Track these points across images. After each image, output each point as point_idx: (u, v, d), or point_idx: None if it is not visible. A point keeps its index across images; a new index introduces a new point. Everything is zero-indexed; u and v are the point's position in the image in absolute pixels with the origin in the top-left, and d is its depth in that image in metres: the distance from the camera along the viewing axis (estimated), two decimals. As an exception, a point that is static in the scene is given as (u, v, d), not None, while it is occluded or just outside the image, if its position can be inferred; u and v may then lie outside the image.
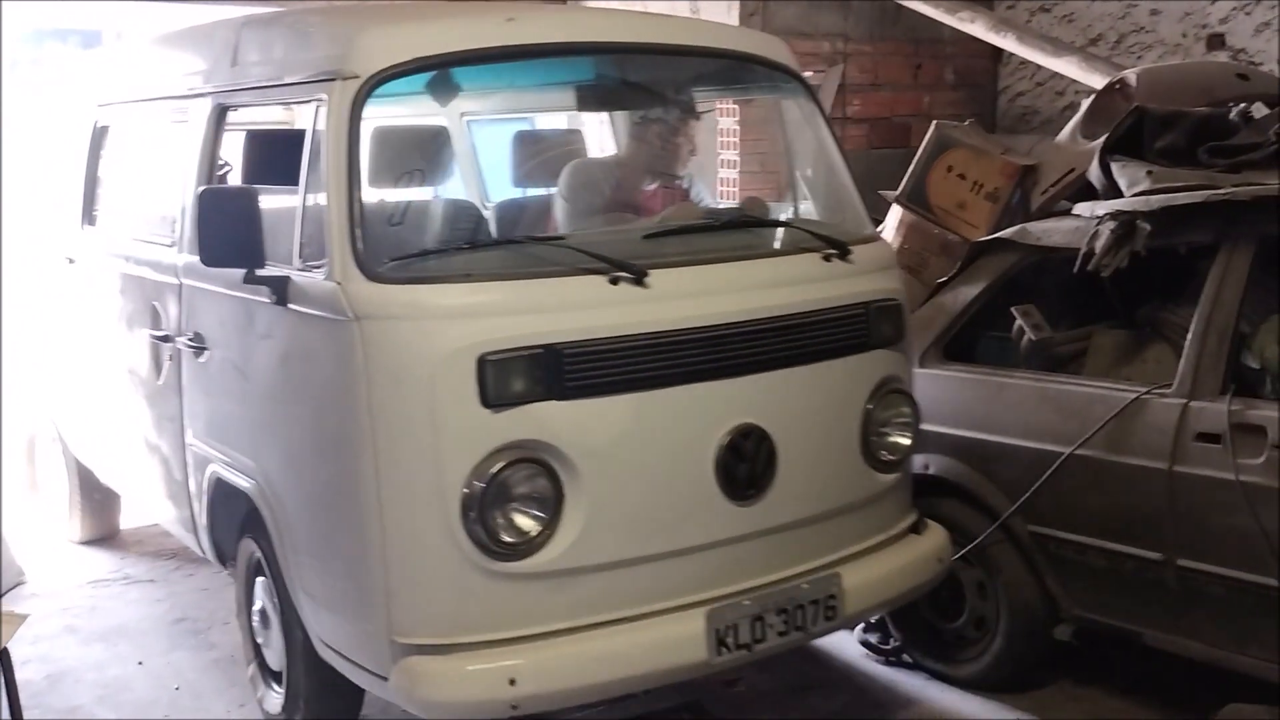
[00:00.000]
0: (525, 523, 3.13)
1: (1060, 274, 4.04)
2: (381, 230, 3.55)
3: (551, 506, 3.15)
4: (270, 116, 3.98)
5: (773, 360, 3.41)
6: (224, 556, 4.23)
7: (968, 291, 4.34)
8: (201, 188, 3.66)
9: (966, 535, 4.14)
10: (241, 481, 3.77)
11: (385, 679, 3.21)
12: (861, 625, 4.57)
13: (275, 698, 3.97)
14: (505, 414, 3.08)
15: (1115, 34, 6.51)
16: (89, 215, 5.11)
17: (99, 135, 5.10)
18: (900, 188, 4.69)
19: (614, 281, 3.23)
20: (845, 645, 4.60)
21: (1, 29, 4.55)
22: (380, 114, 3.55)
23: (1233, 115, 4.17)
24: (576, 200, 4.13)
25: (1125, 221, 3.76)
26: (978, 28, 6.08)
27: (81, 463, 5.83)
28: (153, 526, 5.31)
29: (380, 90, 3.28)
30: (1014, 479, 4.00)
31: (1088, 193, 4.18)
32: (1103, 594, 3.88)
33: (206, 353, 3.94)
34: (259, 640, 4.06)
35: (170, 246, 4.14)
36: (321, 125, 3.29)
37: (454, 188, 4.17)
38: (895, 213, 4.81)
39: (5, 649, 2.53)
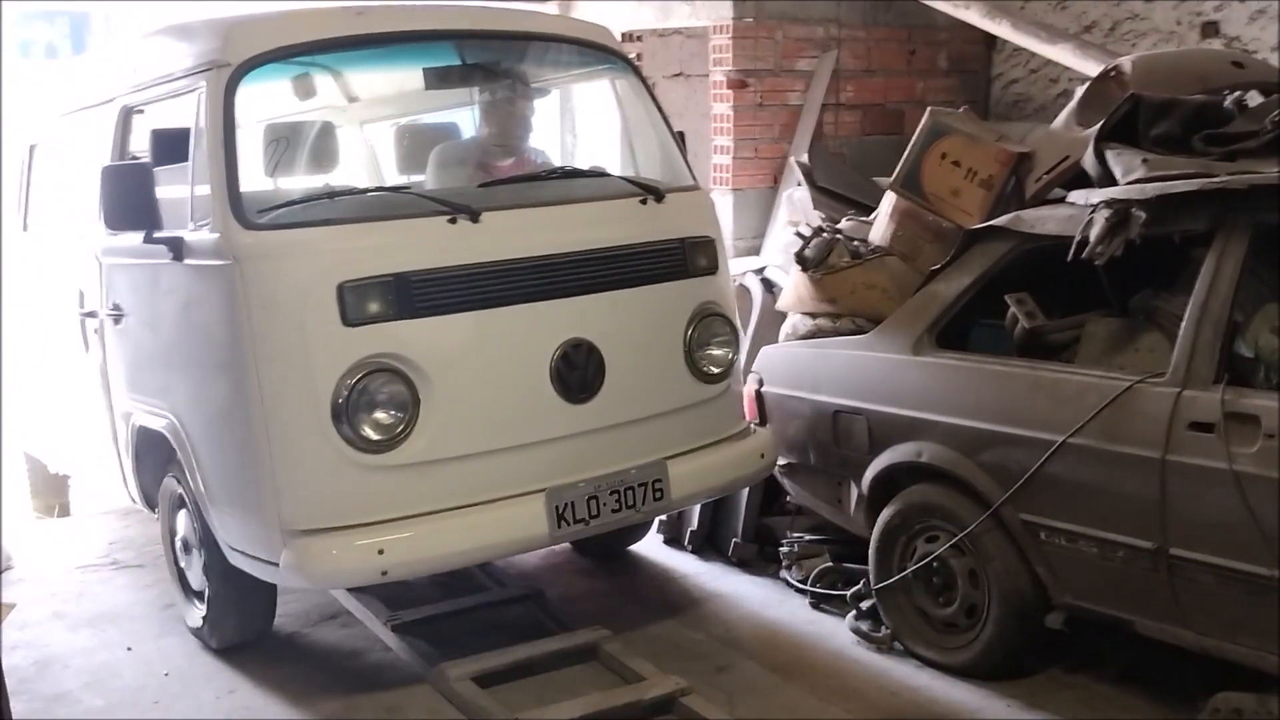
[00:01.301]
0: (386, 422, 3.77)
1: (1054, 262, 4.02)
2: (250, 184, 4.10)
3: (409, 408, 3.80)
4: (165, 111, 4.37)
5: (595, 285, 4.10)
6: (151, 501, 4.79)
7: (961, 279, 4.32)
8: (104, 165, 4.21)
9: (958, 523, 4.14)
10: (157, 423, 4.36)
11: (277, 565, 3.80)
12: (853, 614, 4.57)
13: (197, 612, 4.61)
14: (363, 331, 3.73)
15: (1109, 21, 6.49)
16: (24, 222, 5.76)
17: (32, 151, 5.72)
18: (894, 174, 4.66)
19: (452, 221, 3.91)
20: (837, 632, 4.59)
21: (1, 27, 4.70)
22: (253, 95, 4.10)
23: (1228, 103, 4.14)
24: (443, 177, 4.71)
25: (1120, 210, 3.74)
26: (972, 14, 6.05)
27: (31, 455, 6.47)
28: (139, 512, 5.28)
29: (250, 75, 3.96)
30: (1006, 467, 3.99)
31: (1082, 181, 4.16)
32: (1094, 582, 3.87)
33: (124, 319, 4.53)
34: (181, 565, 4.68)
35: (91, 234, 4.65)
36: (203, 107, 3.95)
37: (321, 156, 4.67)
38: (889, 199, 4.79)
39: (-10, 638, 2.49)
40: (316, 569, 3.77)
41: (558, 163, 5.26)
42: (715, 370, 4.44)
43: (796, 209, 6.09)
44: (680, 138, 4.80)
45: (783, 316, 5.23)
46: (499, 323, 3.95)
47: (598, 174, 4.69)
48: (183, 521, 4.56)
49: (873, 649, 4.45)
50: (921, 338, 4.33)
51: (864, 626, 4.52)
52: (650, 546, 5.59)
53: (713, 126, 6.63)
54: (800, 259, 4.80)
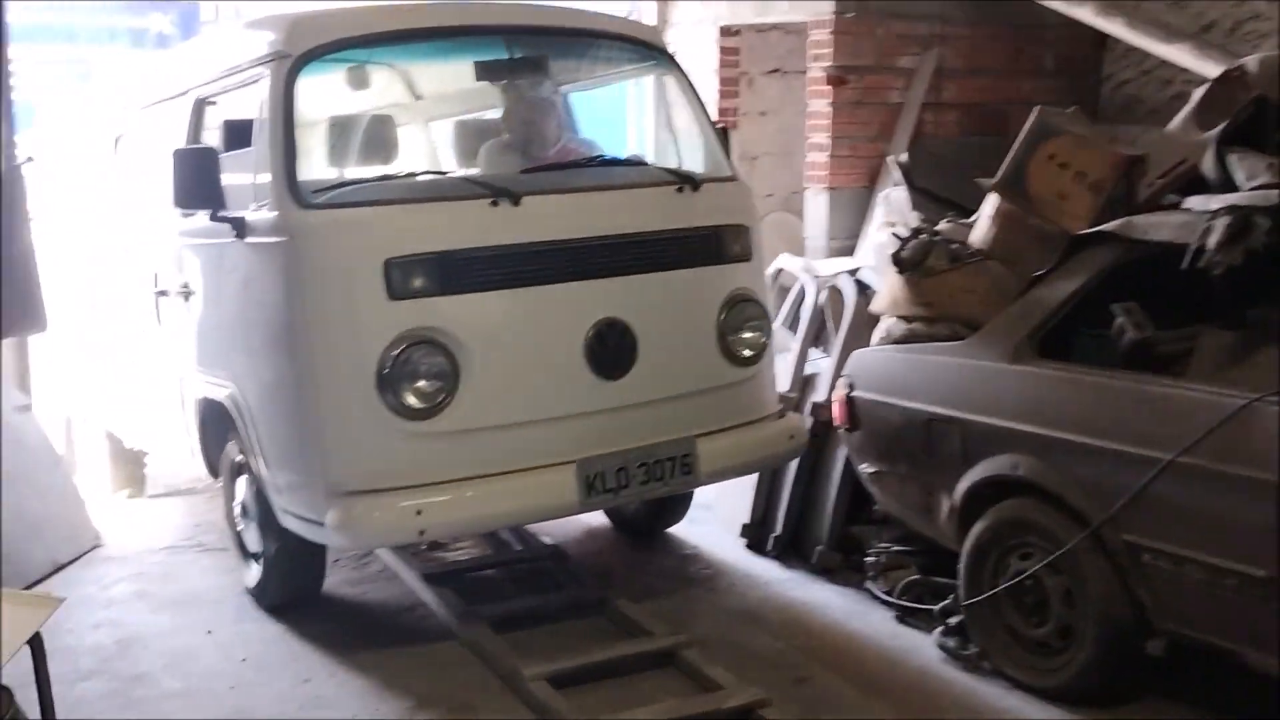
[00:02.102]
0: (427, 391, 3.98)
1: (1165, 271, 3.82)
2: (309, 169, 4.39)
3: (449, 379, 4.01)
4: (234, 101, 4.62)
5: (630, 267, 4.29)
6: (215, 470, 5.05)
7: (1065, 286, 4.14)
8: (175, 148, 4.42)
9: (1054, 540, 3.96)
10: (219, 393, 4.61)
11: (323, 524, 3.99)
12: (940, 629, 4.42)
13: (253, 572, 4.85)
14: (407, 305, 3.96)
15: (1230, 20, 6.21)
16: (109, 208, 5.90)
17: (117, 142, 5.88)
18: (998, 175, 4.49)
19: (494, 204, 4.13)
20: (922, 647, 4.44)
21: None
22: (315, 86, 4.39)
23: (1360, 107, 3.91)
24: (493, 167, 4.89)
25: (1241, 216, 3.54)
26: (1085, 12, 5.83)
27: (111, 434, 6.65)
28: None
29: (309, 65, 4.23)
30: (1108, 485, 3.80)
31: (1198, 186, 3.95)
32: (1200, 609, 3.67)
33: (193, 296, 4.81)
34: (240, 529, 4.89)
35: (166, 218, 4.89)
36: (265, 95, 4.20)
37: (381, 147, 4.89)
38: (991, 201, 4.62)
39: (39, 634, 2.49)
40: (359, 528, 3.97)
41: (607, 153, 5.27)
42: (747, 353, 4.59)
43: (893, 209, 5.93)
44: (723, 134, 4.97)
45: (876, 320, 5.09)
46: (536, 301, 4.14)
47: (636, 163, 4.88)
48: (242, 487, 4.77)
49: (960, 667, 4.28)
50: (1022, 346, 4.16)
51: (951, 643, 4.36)
52: (731, 550, 5.48)
53: (809, 124, 6.49)
54: (897, 261, 4.65)
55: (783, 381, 5.45)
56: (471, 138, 5.27)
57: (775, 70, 7.94)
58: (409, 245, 4.00)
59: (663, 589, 5.09)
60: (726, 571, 5.30)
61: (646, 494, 4.40)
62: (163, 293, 5.11)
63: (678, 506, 5.56)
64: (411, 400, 3.99)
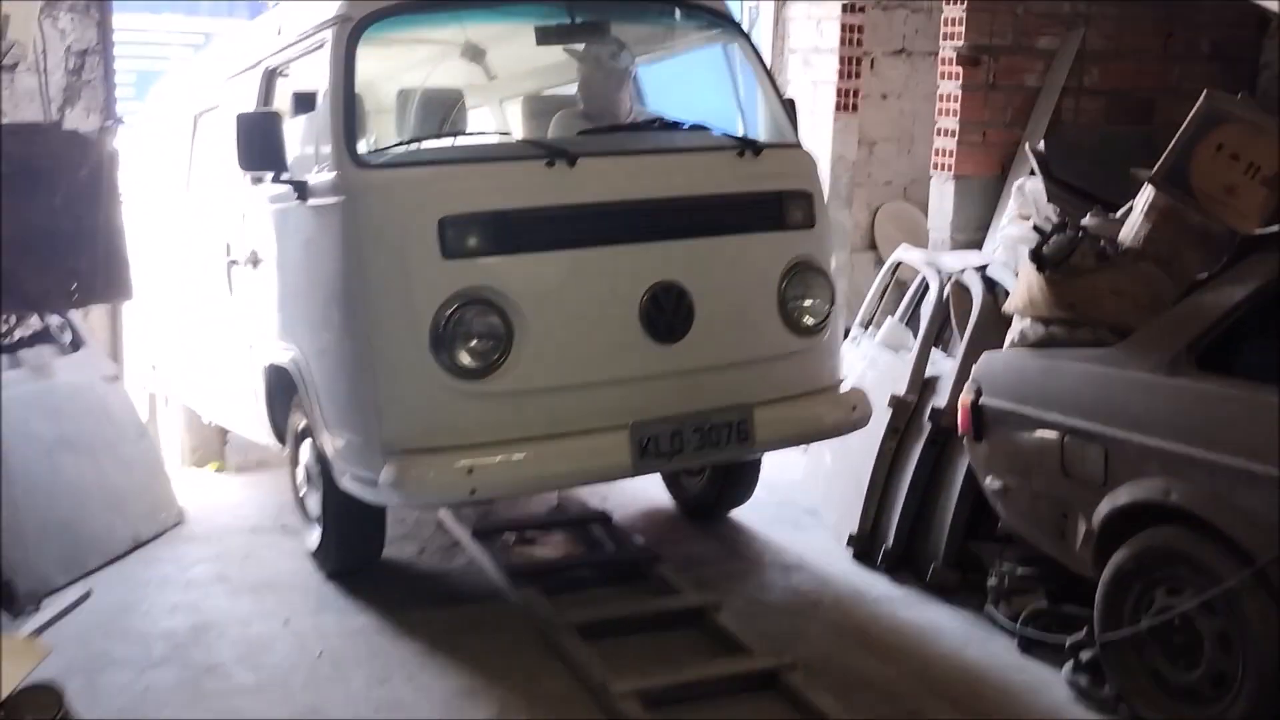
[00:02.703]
0: (480, 351, 3.96)
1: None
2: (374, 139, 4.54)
3: (502, 339, 3.99)
4: (301, 70, 4.65)
5: (687, 231, 4.23)
6: (282, 436, 5.07)
7: (1233, 292, 3.71)
8: (239, 112, 4.47)
9: (1211, 577, 3.53)
10: (283, 358, 4.63)
11: (377, 482, 3.99)
12: (1070, 664, 4.01)
13: (314, 535, 4.90)
14: (461, 264, 3.94)
15: None
16: (187, 183, 5.99)
17: (196, 120, 5.95)
18: (1156, 166, 4.04)
19: (550, 164, 4.09)
20: (1051, 684, 4.04)
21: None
22: (376, 50, 4.49)
23: None
24: (560, 134, 4.83)
25: None
26: (1250, -11, 5.30)
27: (189, 408, 6.72)
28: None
29: (371, 28, 4.25)
30: (1276, 516, 3.36)
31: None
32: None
33: (260, 264, 4.82)
34: (302, 494, 4.97)
35: (237, 188, 4.97)
36: (327, 59, 4.23)
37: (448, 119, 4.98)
38: (1146, 195, 4.17)
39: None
40: (412, 485, 3.95)
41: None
42: (810, 322, 4.52)
43: (1028, 201, 5.47)
44: (790, 105, 4.89)
45: (1007, 321, 4.68)
46: (591, 262, 4.11)
47: (697, 128, 4.71)
48: (305, 452, 4.82)
49: (1093, 709, 3.88)
50: (1180, 356, 3.73)
51: (1083, 681, 3.96)
52: (838, 562, 5.13)
53: (938, 107, 6.06)
54: (1037, 257, 4.22)
55: (901, 382, 5.14)
56: (543, 113, 5.21)
57: (900, 51, 7.54)
58: (464, 204, 3.99)
59: (764, 601, 4.76)
60: (833, 585, 4.94)
61: (701, 459, 4.38)
62: (234, 261, 5.13)
63: (743, 485, 5.48)
64: (465, 360, 3.97)
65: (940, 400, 4.99)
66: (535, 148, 4.31)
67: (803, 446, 5.65)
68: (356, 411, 4.17)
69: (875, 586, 4.92)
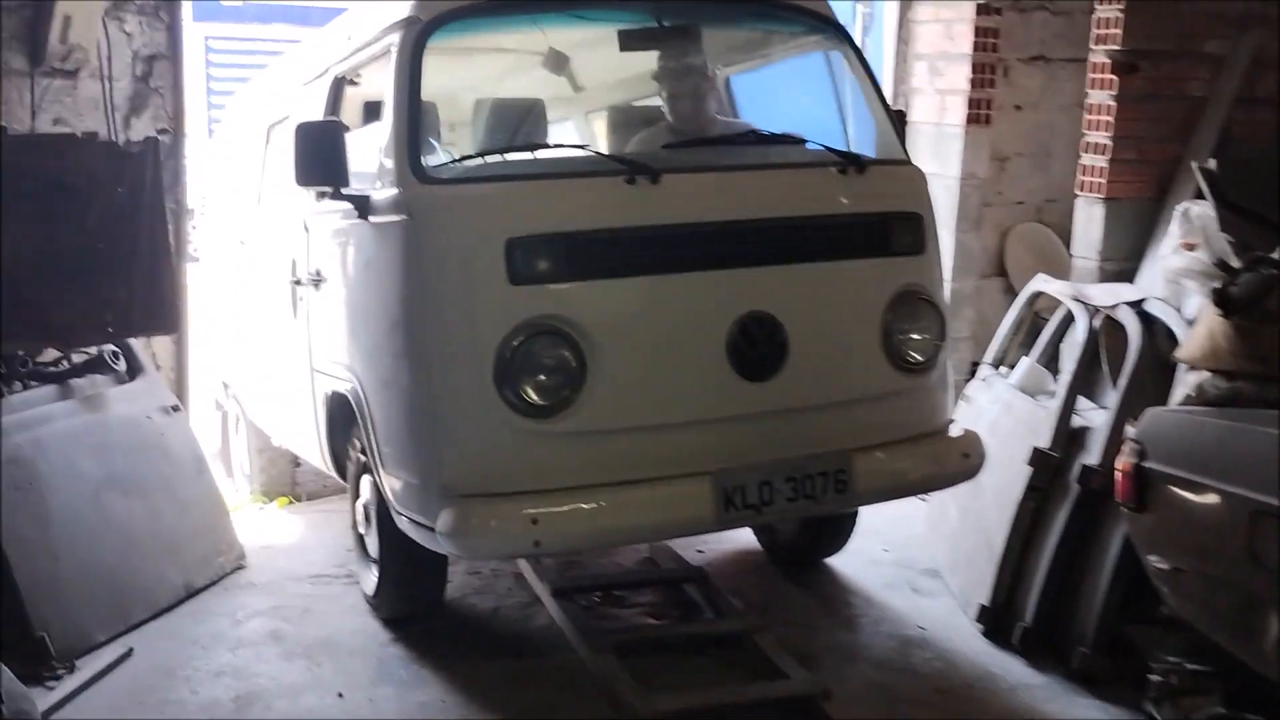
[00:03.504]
0: (549, 387, 3.60)
1: None
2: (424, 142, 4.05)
3: (574, 374, 3.62)
4: (371, 76, 4.37)
5: (782, 256, 3.85)
6: (343, 469, 4.76)
7: None
8: (298, 123, 4.11)
9: None
10: (343, 386, 4.33)
11: (434, 529, 3.63)
12: None
13: (372, 578, 4.57)
14: (530, 291, 3.60)
15: None
16: (259, 197, 5.67)
17: (269, 131, 5.65)
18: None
19: (631, 181, 3.72)
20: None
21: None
22: (443, 49, 4.10)
23: None
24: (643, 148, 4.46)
25: None
26: None
27: (257, 427, 6.38)
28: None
29: (440, 31, 3.92)
30: None
31: None
32: None
33: (323, 284, 4.52)
34: (361, 531, 4.63)
35: (302, 204, 4.63)
36: (393, 64, 3.92)
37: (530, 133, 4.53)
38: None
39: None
40: (470, 535, 3.61)
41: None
42: (917, 358, 4.11)
43: (1194, 228, 4.79)
44: (900, 117, 4.52)
45: (1169, 366, 4.02)
46: (674, 290, 3.75)
47: (793, 140, 4.30)
48: (365, 487, 4.49)
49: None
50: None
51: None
52: (965, 637, 4.50)
53: (1086, 119, 5.38)
54: (1223, 299, 3.58)
55: (1042, 434, 4.51)
56: (630, 125, 4.86)
57: (1037, 57, 6.85)
58: (534, 224, 3.64)
59: (881, 685, 4.15)
60: (960, 668, 4.30)
61: (793, 513, 3.95)
62: (297, 281, 4.83)
63: (839, 532, 5.06)
64: (531, 396, 3.62)
65: (1090, 457, 4.35)
66: (614, 163, 3.95)
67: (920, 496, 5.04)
68: (414, 449, 3.84)
69: (1011, 671, 4.27)
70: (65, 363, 4.78)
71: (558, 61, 5.27)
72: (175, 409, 5.17)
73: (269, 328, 5.45)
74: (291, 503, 6.64)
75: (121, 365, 4.92)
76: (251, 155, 5.91)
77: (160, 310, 3.80)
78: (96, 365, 4.84)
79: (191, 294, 6.82)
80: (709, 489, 3.70)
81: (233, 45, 10.48)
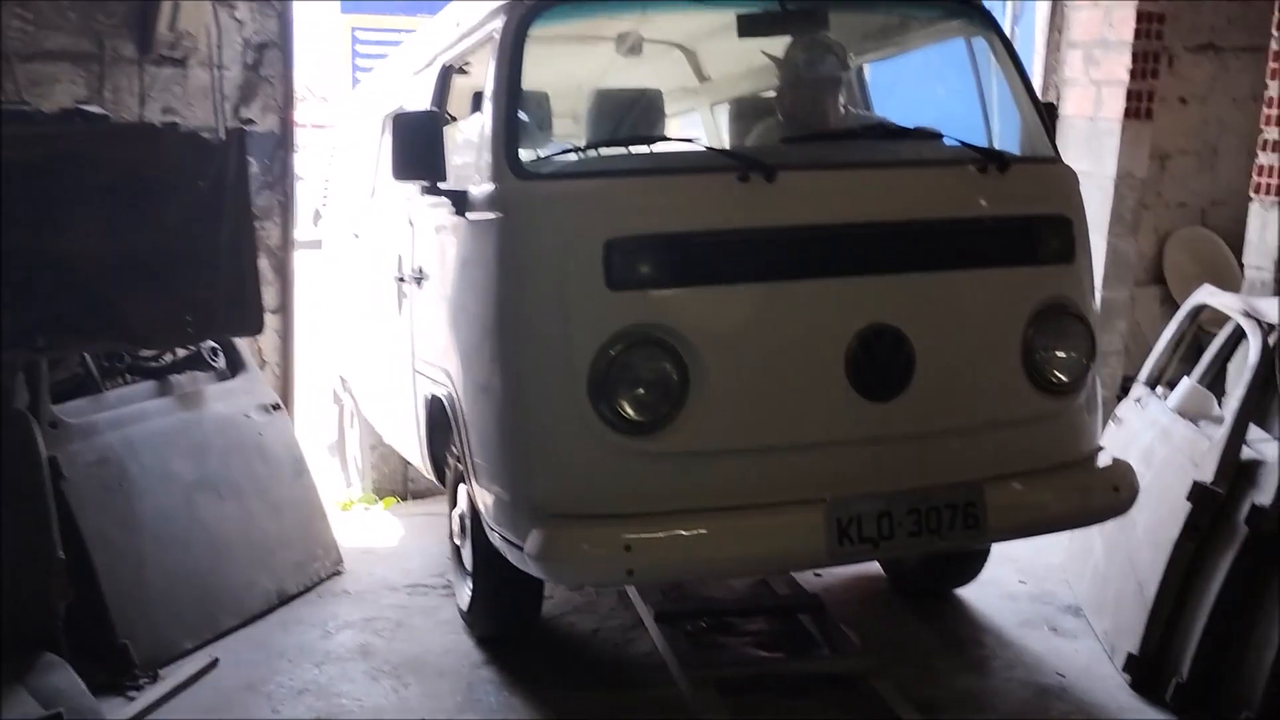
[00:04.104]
0: (649, 402, 3.34)
1: None
2: (533, 135, 3.97)
3: (676, 389, 3.36)
4: (479, 67, 4.10)
5: (912, 263, 3.52)
6: (443, 476, 4.59)
7: None
8: (394, 113, 3.98)
9: None
10: (440, 391, 4.14)
11: (523, 550, 3.40)
12: None
13: (466, 592, 4.38)
14: (630, 297, 3.35)
15: None
16: (372, 191, 5.50)
17: (385, 122, 5.40)
18: None
19: (744, 179, 3.41)
20: None
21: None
22: (550, 36, 3.94)
23: None
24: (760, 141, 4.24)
25: None
26: None
27: (368, 424, 6.25)
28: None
29: (543, 15, 3.69)
30: None
31: None
32: None
33: (425, 282, 4.34)
34: (458, 543, 4.42)
35: (406, 199, 4.48)
36: (494, 48, 3.72)
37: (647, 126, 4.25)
38: None
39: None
40: (559, 560, 3.38)
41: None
42: (1062, 379, 3.74)
43: (1389, 239, 4.23)
44: (1050, 110, 4.14)
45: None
46: (789, 298, 3.46)
47: (927, 135, 3.99)
48: (463, 497, 4.27)
49: None
50: None
51: None
52: (1110, 688, 4.06)
53: (1264, 114, 4.87)
54: None
55: (1205, 466, 4.04)
56: (751, 116, 4.50)
57: (1207, 45, 6.27)
58: (635, 224, 3.38)
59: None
60: (1102, 722, 3.87)
61: (915, 549, 3.63)
62: (402, 278, 4.66)
63: (971, 561, 4.69)
64: (629, 411, 3.36)
65: (1262, 495, 3.87)
66: (726, 158, 3.66)
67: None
68: (505, 464, 3.61)
69: (1160, 729, 3.82)
70: (168, 357, 4.67)
71: (632, 44, 4.92)
72: (276, 407, 5.03)
73: (378, 325, 5.33)
74: (400, 502, 6.50)
75: (221, 362, 4.79)
76: (367, 147, 5.78)
77: (244, 310, 3.60)
78: (197, 361, 4.73)
79: (311, 284, 6.84)
80: (821, 519, 3.38)
81: (379, 36, 10.50)
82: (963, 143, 3.85)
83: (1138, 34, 5.84)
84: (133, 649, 3.97)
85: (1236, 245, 6.40)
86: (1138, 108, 5.87)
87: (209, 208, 3.49)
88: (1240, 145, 6.08)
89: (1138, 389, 4.92)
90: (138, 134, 3.78)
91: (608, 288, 3.34)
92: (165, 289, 3.41)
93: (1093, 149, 5.99)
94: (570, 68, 5.05)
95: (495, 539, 3.73)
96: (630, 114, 4.19)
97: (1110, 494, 3.78)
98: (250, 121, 4.73)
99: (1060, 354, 3.73)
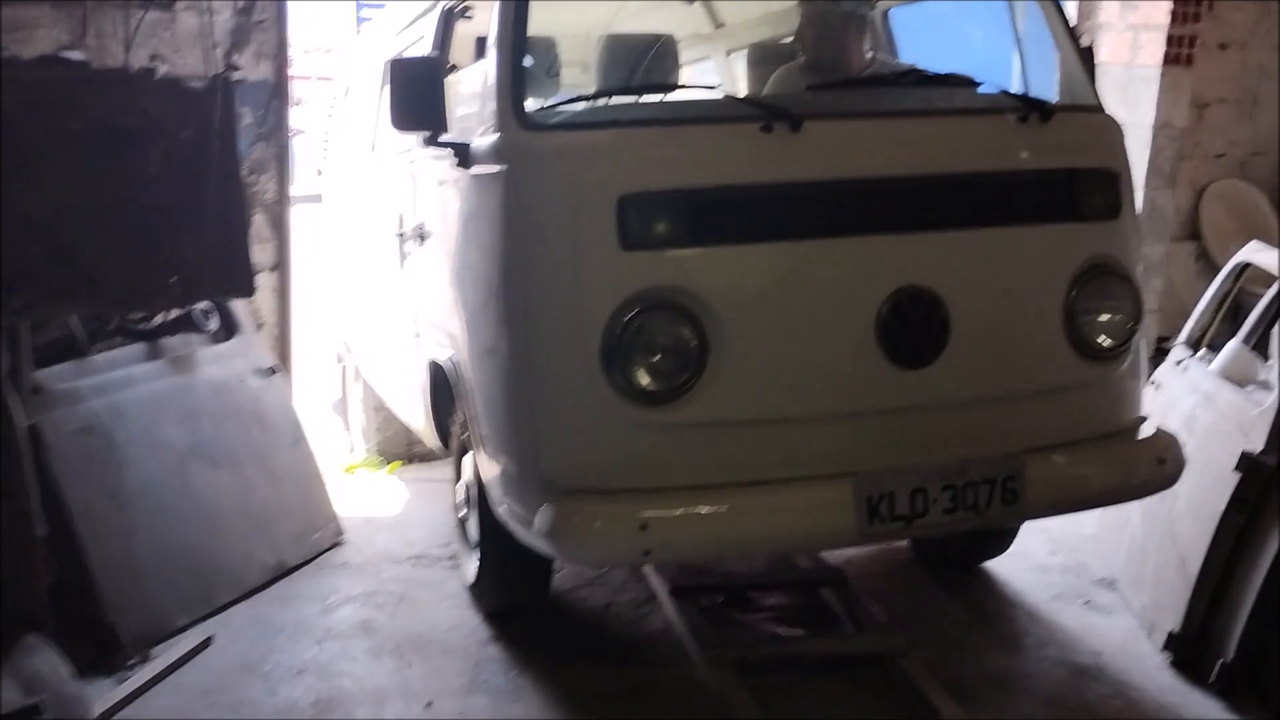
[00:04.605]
0: (665, 370, 3.13)
1: None
2: (540, 82, 3.85)
3: (694, 355, 3.15)
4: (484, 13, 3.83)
5: (946, 220, 3.32)
6: (448, 442, 4.34)
7: None
8: (391, 58, 3.79)
9: None
10: (443, 355, 3.95)
11: (532, 525, 3.22)
12: None
13: (472, 566, 4.17)
14: (645, 257, 3.13)
15: None
16: (373, 144, 5.25)
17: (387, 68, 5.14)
18: None
19: (767, 129, 3.21)
20: None
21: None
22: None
23: None
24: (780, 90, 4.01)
25: None
26: None
27: (370, 386, 6.07)
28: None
29: None
30: None
31: None
32: None
33: (428, 240, 4.15)
34: (463, 515, 4.23)
35: (407, 152, 4.30)
36: None
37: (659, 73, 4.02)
38: None
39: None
40: (570, 538, 3.17)
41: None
42: (1106, 344, 3.52)
43: None
44: (1088, 53, 3.86)
45: None
46: (816, 258, 3.23)
47: (964, 82, 3.74)
48: (468, 467, 4.05)
49: None
50: None
51: None
52: (1149, 669, 3.85)
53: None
54: None
55: (1254, 435, 3.81)
56: (770, 63, 4.28)
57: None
58: (651, 179, 3.15)
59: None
60: (1145, 708, 3.66)
61: (951, 526, 3.33)
62: (403, 235, 4.46)
63: (1002, 533, 4.47)
64: (645, 380, 3.14)
65: (1317, 467, 3.63)
66: (748, 106, 3.39)
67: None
68: (512, 434, 3.40)
69: (1204, 711, 3.62)
70: (159, 319, 4.45)
71: None
72: (273, 371, 4.81)
73: (379, 284, 5.12)
74: (406, 464, 6.30)
75: (215, 323, 4.57)
76: (368, 98, 5.52)
77: (233, 271, 3.37)
78: (189, 323, 4.51)
79: (312, 239, 6.62)
80: (850, 495, 3.18)
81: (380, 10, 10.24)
82: (1002, 90, 3.61)
83: (1180, -24, 5.55)
84: (122, 628, 3.78)
85: (1276, 198, 6.13)
86: (1178, 54, 5.57)
87: (193, 160, 3.24)
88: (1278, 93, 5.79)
89: (1178, 351, 4.68)
90: (113, 79, 3.51)
91: (621, 248, 3.12)
92: (146, 247, 3.17)
93: (1129, 97, 5.69)
94: (578, 12, 4.79)
95: (502, 513, 3.54)
96: (643, 61, 3.94)
97: (1155, 467, 3.56)
98: (234, 68, 4.45)
99: (1105, 317, 3.51)
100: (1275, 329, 4.37)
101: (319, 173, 7.27)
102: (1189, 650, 3.84)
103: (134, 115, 3.12)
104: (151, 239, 3.20)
